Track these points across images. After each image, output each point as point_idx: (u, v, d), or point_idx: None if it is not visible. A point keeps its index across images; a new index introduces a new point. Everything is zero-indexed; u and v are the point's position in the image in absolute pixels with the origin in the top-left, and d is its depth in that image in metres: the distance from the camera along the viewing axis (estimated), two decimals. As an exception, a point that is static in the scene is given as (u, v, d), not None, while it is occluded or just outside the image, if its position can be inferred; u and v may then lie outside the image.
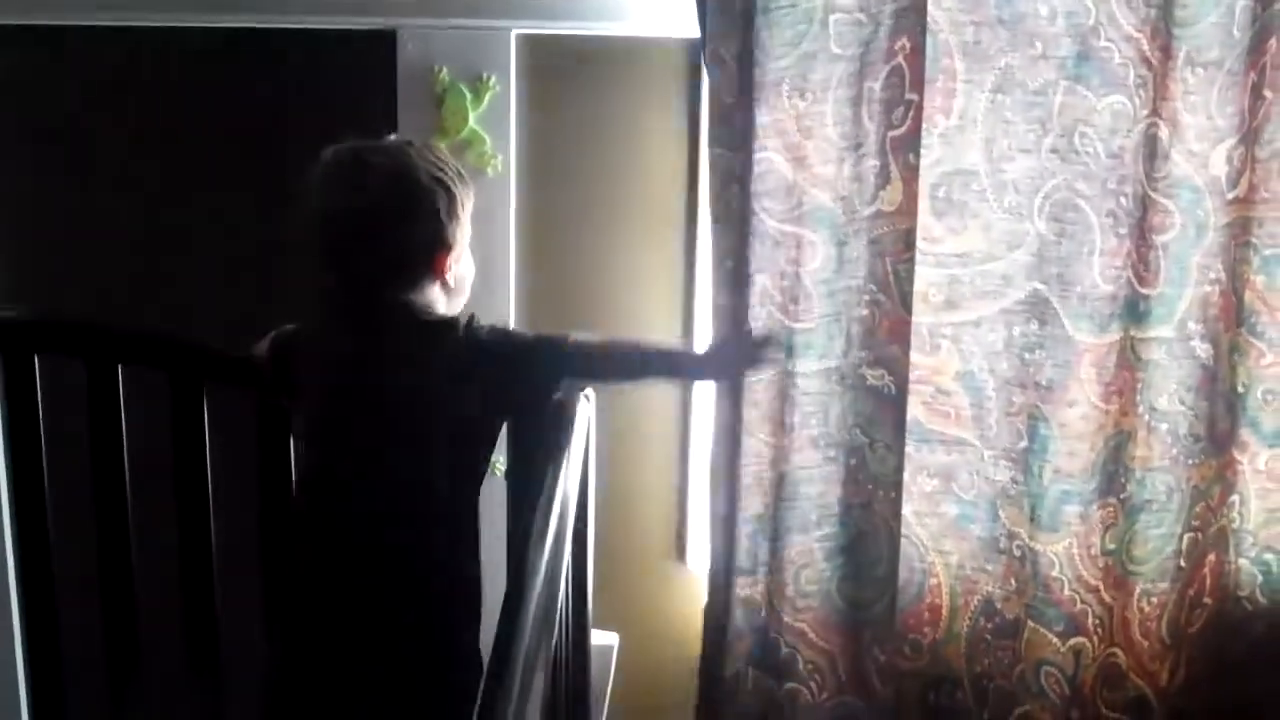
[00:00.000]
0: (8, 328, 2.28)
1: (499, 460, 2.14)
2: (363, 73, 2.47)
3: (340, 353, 2.02)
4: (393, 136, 2.09)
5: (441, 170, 2.02)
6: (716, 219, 2.33)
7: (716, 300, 2.36)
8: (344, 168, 1.98)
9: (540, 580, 1.64)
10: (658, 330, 2.53)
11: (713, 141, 2.30)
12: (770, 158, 2.26)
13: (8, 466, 2.32)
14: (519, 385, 2.02)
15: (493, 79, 2.44)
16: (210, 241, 2.59)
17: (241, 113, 2.54)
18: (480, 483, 2.04)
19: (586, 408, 2.10)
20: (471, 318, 2.03)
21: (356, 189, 1.96)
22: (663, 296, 2.50)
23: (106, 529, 2.27)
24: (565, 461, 1.92)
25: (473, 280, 2.10)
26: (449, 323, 2.01)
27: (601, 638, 2.43)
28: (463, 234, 2.04)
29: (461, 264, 2.06)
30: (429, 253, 1.99)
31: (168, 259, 2.62)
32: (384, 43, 2.45)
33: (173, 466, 2.24)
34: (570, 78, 2.48)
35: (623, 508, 2.56)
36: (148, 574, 2.30)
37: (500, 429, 2.07)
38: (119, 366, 2.21)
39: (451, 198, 2.01)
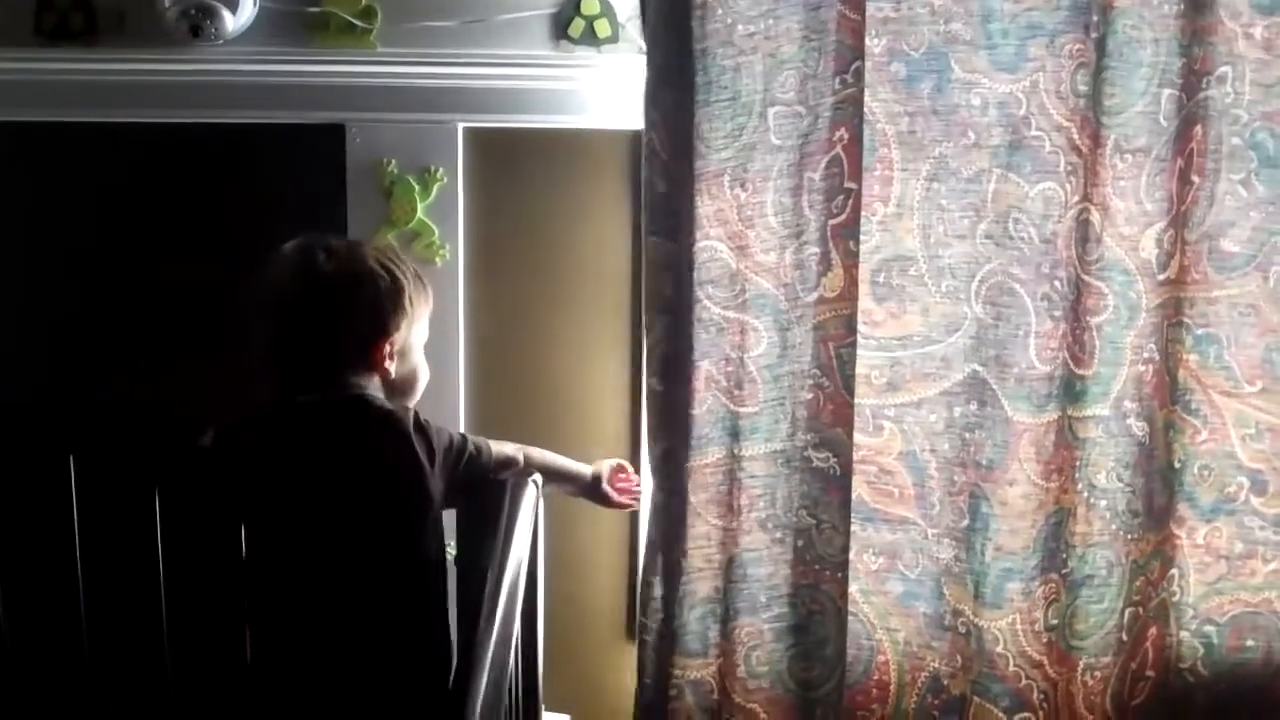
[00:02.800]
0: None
1: (450, 545, 2.17)
2: (313, 165, 2.50)
3: (285, 442, 2.06)
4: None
5: (391, 263, 2.09)
6: (649, 306, 2.36)
7: (651, 386, 2.38)
8: (294, 251, 2.07)
9: (488, 664, 1.67)
10: (608, 417, 2.55)
11: (650, 231, 2.33)
12: (713, 246, 2.30)
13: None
14: (457, 477, 2.11)
15: (440, 171, 2.48)
16: (161, 330, 2.61)
17: (193, 205, 2.56)
18: (442, 566, 2.09)
19: (533, 490, 2.14)
20: (416, 414, 2.08)
21: (304, 268, 2.04)
22: (611, 384, 2.53)
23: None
24: (512, 544, 1.96)
25: (424, 384, 2.14)
26: (391, 415, 2.06)
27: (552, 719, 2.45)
28: (408, 327, 2.10)
29: (406, 361, 2.10)
30: (367, 337, 2.05)
31: (117, 348, 2.63)
32: (333, 136, 2.48)
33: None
34: (517, 169, 2.51)
35: (573, 586, 2.57)
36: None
37: (440, 515, 2.12)
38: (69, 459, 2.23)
39: (397, 288, 2.07)
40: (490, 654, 1.73)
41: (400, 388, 2.12)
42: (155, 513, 2.23)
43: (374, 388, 2.08)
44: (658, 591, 2.44)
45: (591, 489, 2.40)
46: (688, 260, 2.31)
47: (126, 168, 2.57)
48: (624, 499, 2.43)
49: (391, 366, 2.09)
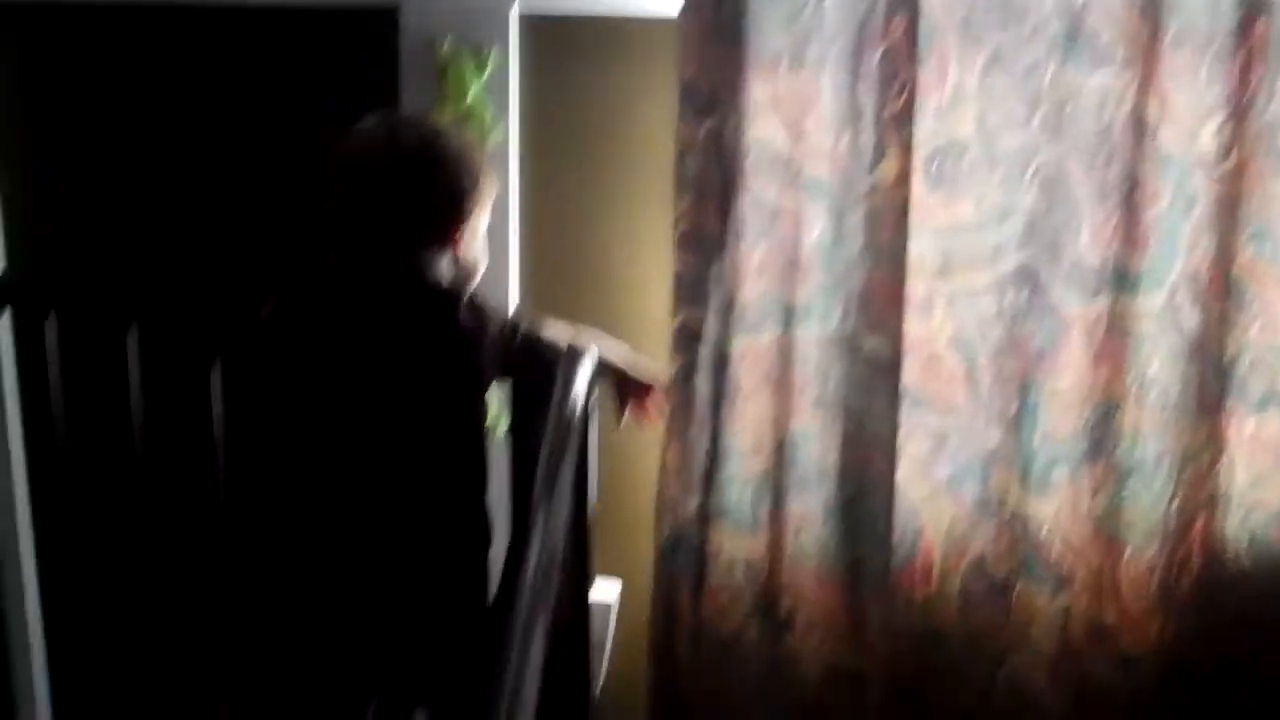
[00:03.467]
0: (18, 288, 2.36)
1: (499, 420, 2.21)
2: (366, 47, 2.52)
3: (345, 317, 2.10)
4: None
5: (471, 147, 2.13)
6: (678, 187, 2.39)
7: (679, 264, 2.42)
8: (381, 128, 2.10)
9: (541, 529, 1.69)
10: (651, 299, 2.57)
11: (685, 114, 2.36)
12: (766, 131, 2.33)
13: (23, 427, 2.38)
14: (511, 355, 2.14)
15: (494, 51, 2.49)
16: (213, 218, 2.65)
17: (246, 90, 2.59)
18: (481, 451, 2.13)
19: (588, 363, 2.16)
20: (474, 293, 2.11)
21: (391, 144, 2.07)
22: (656, 268, 2.54)
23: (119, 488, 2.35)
24: (566, 414, 1.98)
25: (484, 267, 2.17)
26: (454, 293, 2.10)
27: (604, 586, 2.49)
28: (480, 212, 2.13)
29: (472, 244, 2.13)
30: (446, 217, 2.09)
31: (170, 237, 2.68)
32: (387, 17, 2.49)
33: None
34: (571, 50, 2.53)
35: (625, 457, 2.60)
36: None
37: (486, 393, 2.16)
38: (127, 330, 2.29)
39: (477, 172, 2.11)
40: (543, 520, 1.75)
41: (465, 269, 2.16)
42: (214, 383, 2.28)
43: (441, 267, 2.11)
44: (697, 471, 2.50)
45: (626, 386, 2.41)
46: (736, 145, 2.33)
47: (182, 52, 2.60)
48: (642, 415, 2.44)
49: (462, 248, 2.12)
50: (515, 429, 2.27)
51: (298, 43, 2.56)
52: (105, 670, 2.48)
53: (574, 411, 2.07)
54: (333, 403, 2.09)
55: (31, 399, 2.36)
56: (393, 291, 2.08)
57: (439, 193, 2.08)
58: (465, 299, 2.09)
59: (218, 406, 2.30)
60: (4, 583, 2.47)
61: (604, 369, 2.33)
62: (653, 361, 2.41)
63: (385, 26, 2.48)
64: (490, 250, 2.25)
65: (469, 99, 2.48)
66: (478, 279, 2.19)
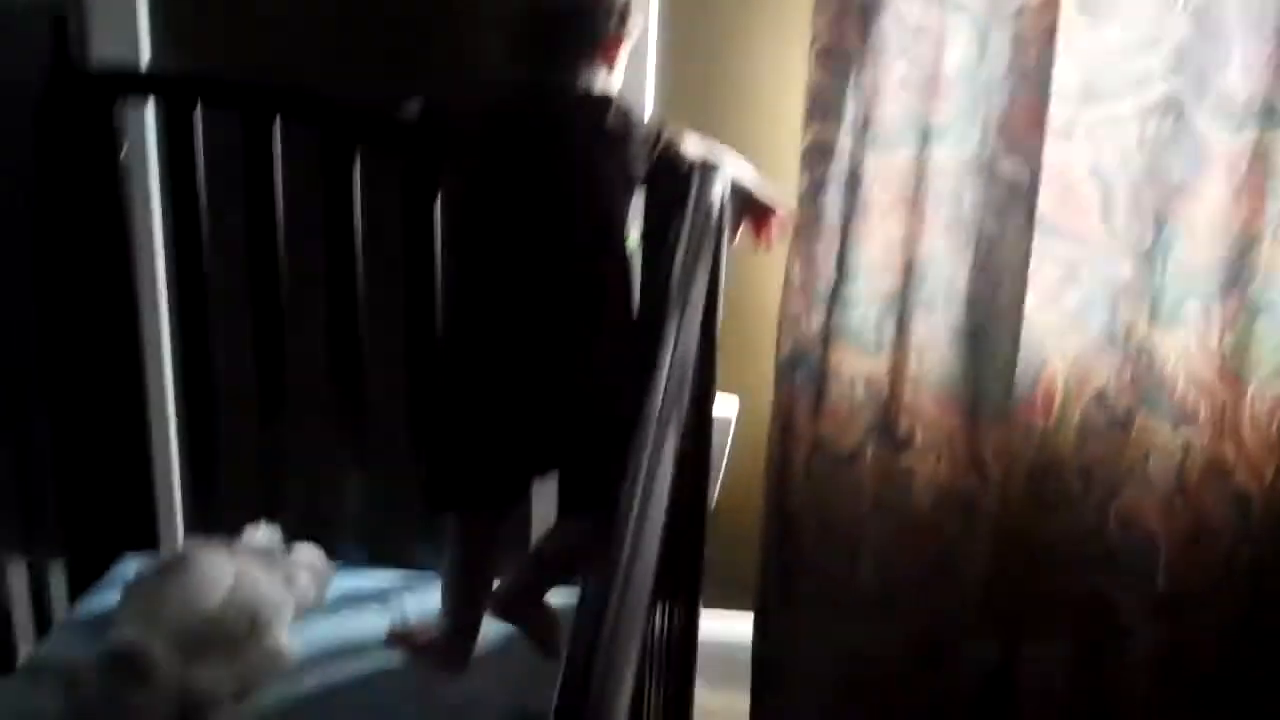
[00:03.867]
0: (171, 82, 2.39)
1: (631, 231, 2.22)
2: None
3: (500, 112, 2.15)
4: None
5: None
6: (824, 3, 2.37)
7: (814, 80, 2.41)
8: None
9: (674, 341, 1.71)
10: (785, 115, 2.55)
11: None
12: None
13: (169, 217, 2.42)
14: (652, 163, 2.17)
15: None
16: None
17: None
18: (624, 246, 2.16)
19: (723, 178, 2.17)
20: (622, 98, 2.15)
21: None
22: (794, 82, 2.49)
23: (259, 283, 2.39)
24: (700, 227, 1.99)
25: None
26: (605, 97, 2.14)
27: (722, 401, 2.51)
28: (638, 33, 2.19)
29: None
30: (609, 34, 2.13)
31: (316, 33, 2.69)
32: None
33: (323, 223, 2.35)
34: None
35: (746, 278, 2.60)
36: (298, 323, 2.42)
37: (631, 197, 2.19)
38: (275, 122, 2.30)
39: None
40: (678, 324, 1.76)
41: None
42: (355, 177, 2.31)
43: (599, 80, 2.15)
44: (822, 288, 2.50)
45: (749, 207, 2.39)
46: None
47: None
48: (761, 237, 2.41)
49: (616, 67, 2.17)
50: (649, 235, 2.28)
51: None
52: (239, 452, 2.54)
53: (711, 219, 2.08)
54: (480, 195, 2.15)
55: (175, 193, 2.39)
56: (546, 91, 2.13)
57: (607, 11, 2.13)
58: (614, 104, 2.13)
59: (357, 197, 2.32)
60: (144, 374, 2.52)
61: (731, 187, 2.33)
62: (778, 187, 2.39)
63: None
64: (629, 64, 2.26)
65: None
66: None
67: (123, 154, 2.32)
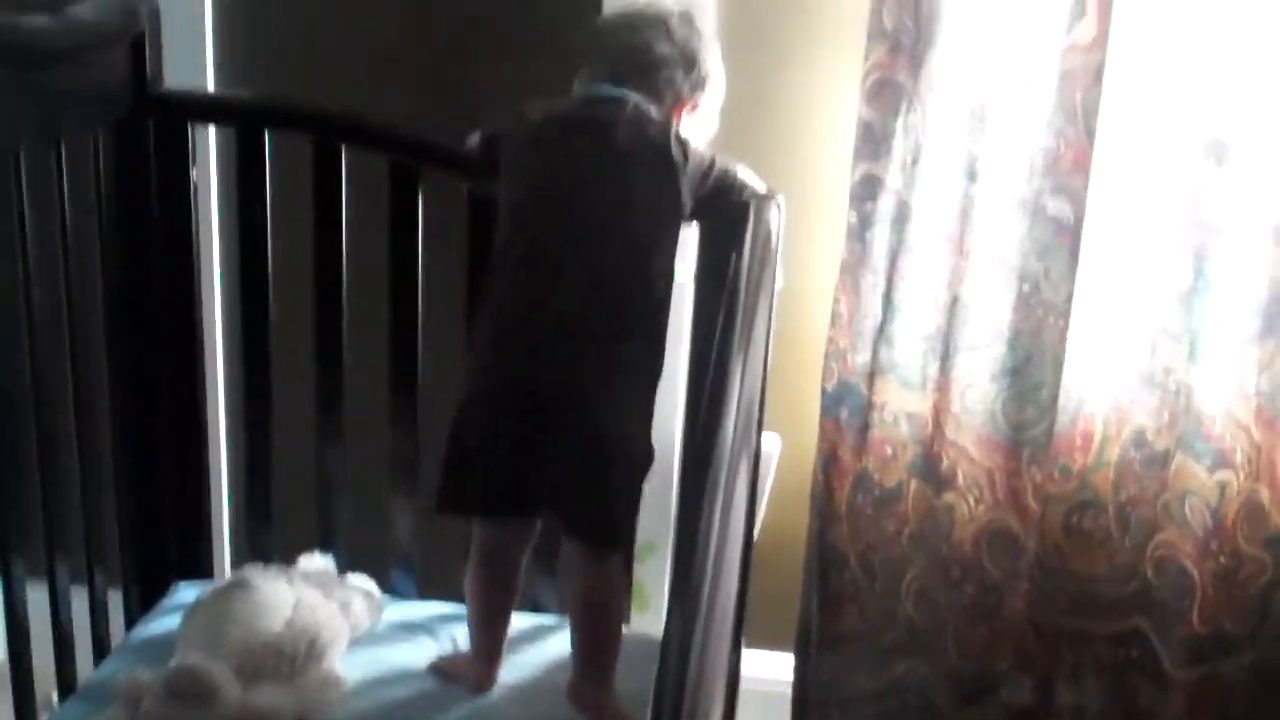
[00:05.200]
0: (244, 107, 2.43)
1: (680, 265, 2.24)
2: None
3: (555, 123, 2.19)
4: None
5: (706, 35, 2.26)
6: (871, 36, 2.42)
7: (861, 114, 2.46)
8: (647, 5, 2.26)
9: (739, 383, 1.72)
10: (834, 147, 2.58)
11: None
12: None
13: (239, 237, 2.44)
14: (704, 193, 2.18)
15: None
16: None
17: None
18: (669, 284, 2.17)
19: (776, 211, 2.19)
20: (678, 128, 2.17)
21: (647, 9, 2.25)
22: (844, 115, 2.54)
23: (323, 304, 2.42)
24: (758, 261, 2.01)
25: None
26: (666, 124, 2.16)
27: (765, 437, 2.53)
28: (707, 99, 2.25)
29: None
30: (676, 87, 2.20)
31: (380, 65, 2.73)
32: None
33: (387, 249, 2.38)
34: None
35: (792, 307, 2.62)
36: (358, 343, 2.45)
37: (680, 231, 2.20)
38: (342, 148, 2.34)
39: (705, 46, 2.24)
40: (743, 362, 1.77)
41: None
42: (417, 205, 2.34)
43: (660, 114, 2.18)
44: (869, 324, 2.54)
45: None
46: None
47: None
48: None
49: (688, 118, 2.23)
50: (704, 270, 2.30)
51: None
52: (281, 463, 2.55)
53: (770, 249, 2.11)
54: (530, 217, 2.16)
55: (242, 216, 2.42)
56: (613, 112, 2.15)
57: (680, 48, 2.19)
58: (675, 130, 2.15)
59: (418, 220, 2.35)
60: (202, 401, 2.54)
61: None
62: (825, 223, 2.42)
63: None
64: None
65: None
66: None
67: (194, 175, 2.34)
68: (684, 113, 2.22)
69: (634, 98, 2.16)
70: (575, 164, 2.14)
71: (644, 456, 2.15)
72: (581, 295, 2.10)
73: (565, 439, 2.08)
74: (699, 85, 2.22)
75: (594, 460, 2.10)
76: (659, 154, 2.13)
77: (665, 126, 2.15)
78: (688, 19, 2.23)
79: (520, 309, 2.13)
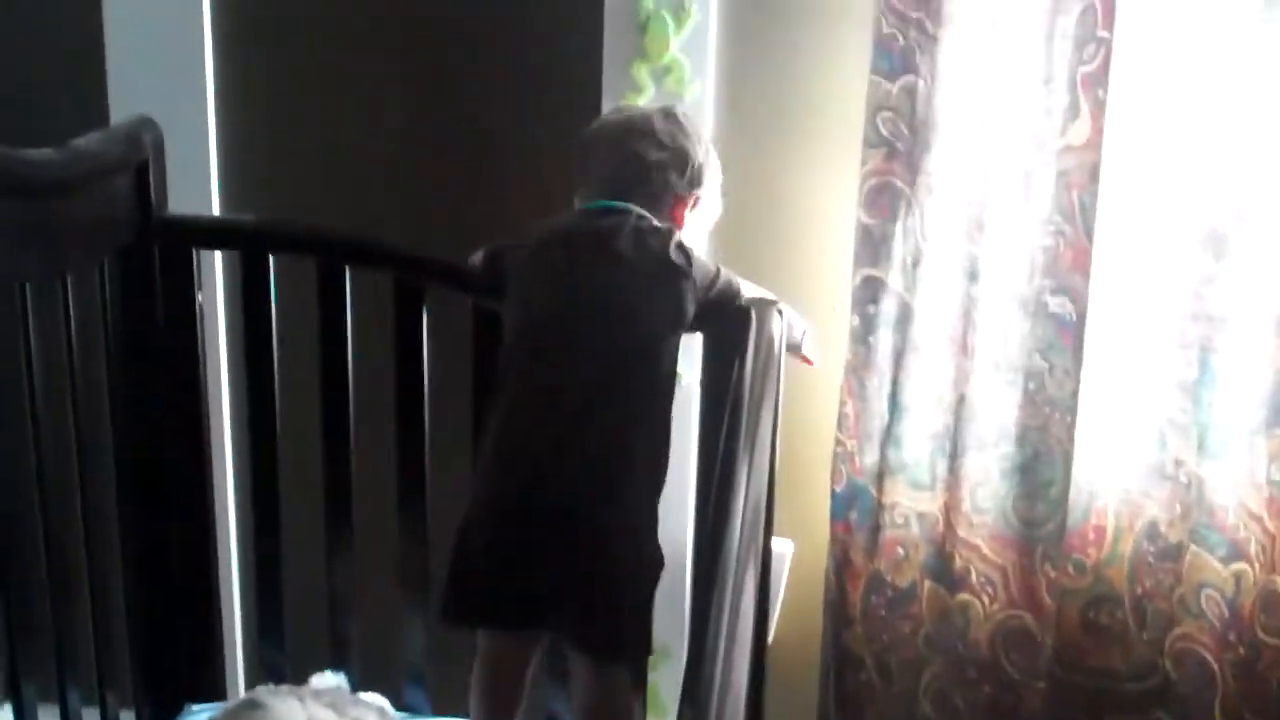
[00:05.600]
0: (247, 231, 2.46)
1: (683, 370, 2.25)
2: (570, 2, 2.57)
3: (556, 233, 2.22)
4: None
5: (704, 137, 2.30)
6: (867, 143, 2.45)
7: (859, 217, 2.48)
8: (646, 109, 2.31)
9: (745, 485, 1.72)
10: (834, 250, 2.59)
11: (876, 69, 2.42)
12: (956, 87, 2.37)
13: (245, 357, 2.45)
14: (707, 303, 2.20)
15: (694, 7, 2.52)
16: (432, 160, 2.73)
17: (452, 36, 2.66)
18: (672, 390, 2.17)
19: (779, 318, 2.21)
20: (680, 237, 2.19)
21: (641, 112, 2.29)
22: (843, 218, 2.55)
23: (330, 421, 2.43)
24: (762, 368, 2.02)
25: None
26: (669, 231, 2.18)
27: (777, 542, 2.53)
28: (705, 196, 2.28)
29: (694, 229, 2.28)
30: (674, 189, 2.23)
31: (396, 178, 2.75)
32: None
33: (395, 365, 2.39)
34: (769, 8, 2.55)
35: (794, 418, 2.62)
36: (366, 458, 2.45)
37: (679, 338, 2.20)
38: (346, 270, 2.36)
39: (713, 165, 2.29)
40: (748, 467, 1.77)
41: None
42: (422, 320, 2.35)
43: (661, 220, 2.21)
44: (876, 425, 2.54)
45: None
46: (929, 104, 2.39)
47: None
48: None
49: (686, 222, 2.26)
50: (709, 377, 2.30)
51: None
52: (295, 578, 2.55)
53: (773, 355, 2.12)
54: (545, 321, 2.17)
55: (247, 336, 2.44)
56: (614, 223, 2.17)
57: (671, 150, 2.22)
58: (676, 239, 2.17)
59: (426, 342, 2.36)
60: (212, 521, 2.55)
61: None
62: (816, 338, 2.43)
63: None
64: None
65: (668, 55, 2.53)
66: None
67: (199, 297, 2.37)
68: (685, 210, 2.25)
69: (634, 208, 2.18)
70: (578, 276, 2.16)
71: (652, 563, 2.14)
72: (585, 405, 2.11)
73: (569, 549, 2.08)
74: (695, 181, 2.24)
75: (598, 572, 2.09)
76: (661, 263, 2.15)
77: (667, 236, 2.17)
78: (671, 116, 2.27)
79: (524, 419, 2.14)
